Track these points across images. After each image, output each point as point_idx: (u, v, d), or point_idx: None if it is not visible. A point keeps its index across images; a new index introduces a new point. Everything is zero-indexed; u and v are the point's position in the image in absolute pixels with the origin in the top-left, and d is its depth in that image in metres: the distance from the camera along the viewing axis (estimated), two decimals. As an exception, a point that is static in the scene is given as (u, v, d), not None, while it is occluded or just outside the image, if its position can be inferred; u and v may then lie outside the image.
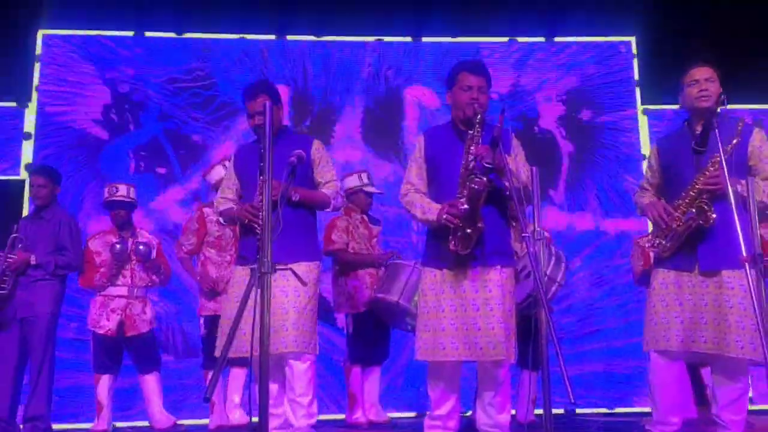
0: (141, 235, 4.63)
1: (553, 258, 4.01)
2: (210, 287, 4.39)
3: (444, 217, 2.90)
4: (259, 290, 2.29)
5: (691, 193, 3.01)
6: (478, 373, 3.12)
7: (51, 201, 4.50)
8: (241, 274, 3.29)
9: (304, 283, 2.84)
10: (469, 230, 2.86)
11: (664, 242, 3.06)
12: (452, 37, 6.10)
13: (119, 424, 4.93)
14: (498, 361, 2.94)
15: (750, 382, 3.20)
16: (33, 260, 4.34)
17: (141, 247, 4.46)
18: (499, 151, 2.79)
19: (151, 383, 4.53)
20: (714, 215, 2.92)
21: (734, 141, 2.92)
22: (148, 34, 5.87)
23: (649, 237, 3.17)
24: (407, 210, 3.13)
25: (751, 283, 2.59)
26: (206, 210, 4.54)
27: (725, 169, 2.70)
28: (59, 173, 4.66)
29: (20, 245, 4.34)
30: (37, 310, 4.33)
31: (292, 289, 3.15)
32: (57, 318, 4.45)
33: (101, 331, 4.40)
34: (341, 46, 6.02)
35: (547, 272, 3.90)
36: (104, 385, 4.42)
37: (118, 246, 4.41)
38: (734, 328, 2.90)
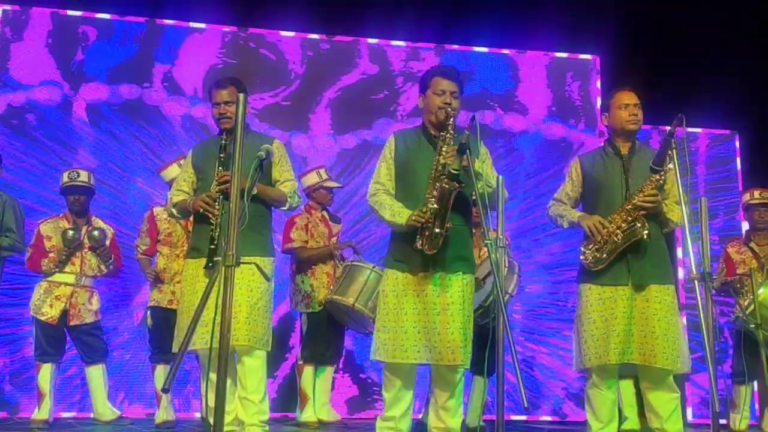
0: (95, 223, 4.53)
1: (506, 268, 4.02)
2: (153, 277, 4.32)
3: (413, 218, 2.92)
4: (215, 284, 2.26)
5: (627, 207, 3.13)
6: (432, 376, 3.13)
7: None
8: (193, 267, 3.25)
9: (267, 279, 2.81)
10: (437, 230, 2.88)
11: (598, 255, 3.15)
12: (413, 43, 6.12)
13: (62, 414, 4.80)
14: (454, 365, 2.97)
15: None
16: (-24, 242, 4.22)
17: (95, 232, 4.37)
18: (466, 157, 2.83)
19: (95, 375, 4.42)
20: (647, 231, 3.06)
21: (669, 165, 3.07)
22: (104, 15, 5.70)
23: (582, 249, 3.24)
24: (374, 209, 3.13)
25: (700, 300, 2.73)
26: (156, 209, 4.50)
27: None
28: (0, 156, 4.54)
29: None
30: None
31: (246, 283, 3.12)
32: None
33: (42, 318, 4.28)
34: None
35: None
36: (46, 373, 4.29)
37: (70, 232, 4.31)
38: (661, 340, 3.04)
